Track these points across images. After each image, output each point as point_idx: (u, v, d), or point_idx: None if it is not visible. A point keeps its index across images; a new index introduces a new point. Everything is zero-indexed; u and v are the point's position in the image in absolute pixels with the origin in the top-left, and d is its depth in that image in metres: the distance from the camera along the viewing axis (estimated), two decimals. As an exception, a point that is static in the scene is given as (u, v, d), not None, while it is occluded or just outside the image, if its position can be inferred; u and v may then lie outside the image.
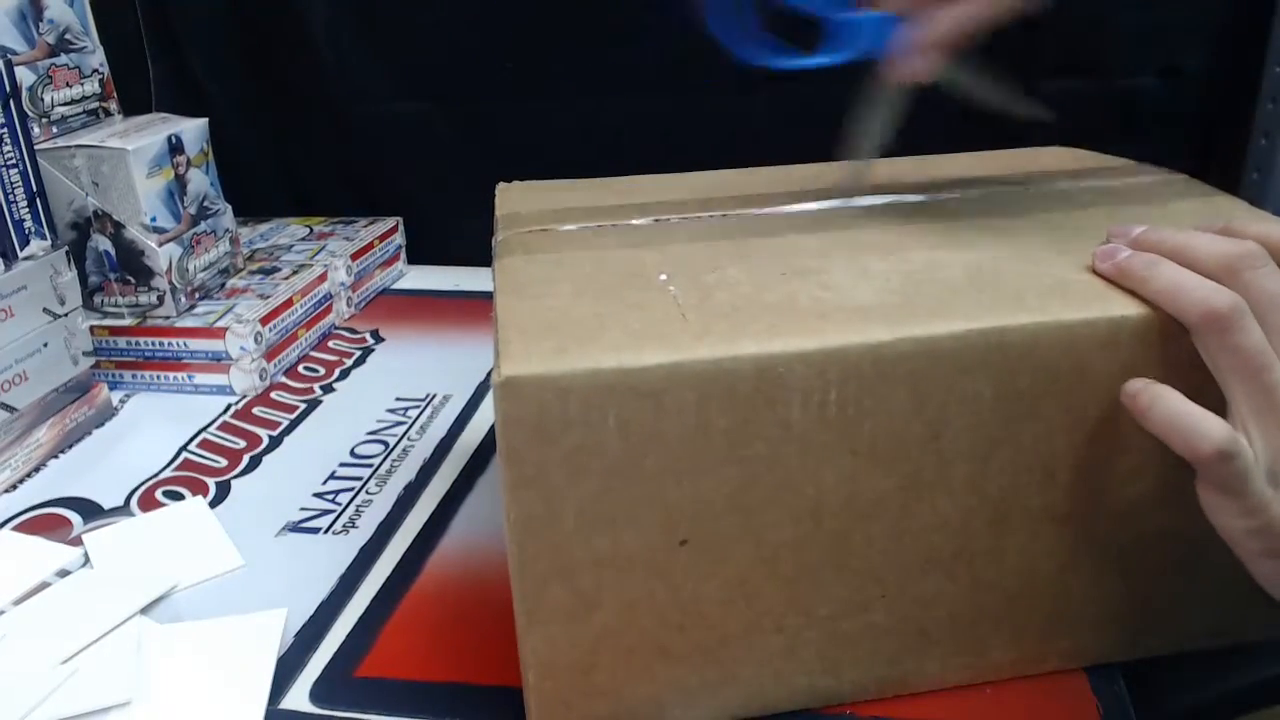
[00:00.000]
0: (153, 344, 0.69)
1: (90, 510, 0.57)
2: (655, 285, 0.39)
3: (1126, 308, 0.36)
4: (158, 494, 0.58)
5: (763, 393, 0.34)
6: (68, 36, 0.69)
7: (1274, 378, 0.32)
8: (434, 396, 0.68)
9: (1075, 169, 0.53)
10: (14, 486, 0.59)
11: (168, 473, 0.60)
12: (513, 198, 0.52)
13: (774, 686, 0.40)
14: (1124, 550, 0.40)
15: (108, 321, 0.70)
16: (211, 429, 0.65)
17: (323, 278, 0.78)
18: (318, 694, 0.43)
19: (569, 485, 0.34)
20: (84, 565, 0.52)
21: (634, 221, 0.47)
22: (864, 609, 0.39)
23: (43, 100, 0.66)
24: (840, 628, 0.39)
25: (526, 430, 0.33)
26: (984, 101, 0.43)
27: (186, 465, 0.61)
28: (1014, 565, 0.39)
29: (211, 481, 0.59)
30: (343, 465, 0.60)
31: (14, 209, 0.58)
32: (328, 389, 0.70)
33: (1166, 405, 0.33)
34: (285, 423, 0.66)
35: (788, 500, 0.36)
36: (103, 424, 0.66)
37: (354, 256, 0.83)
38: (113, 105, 0.72)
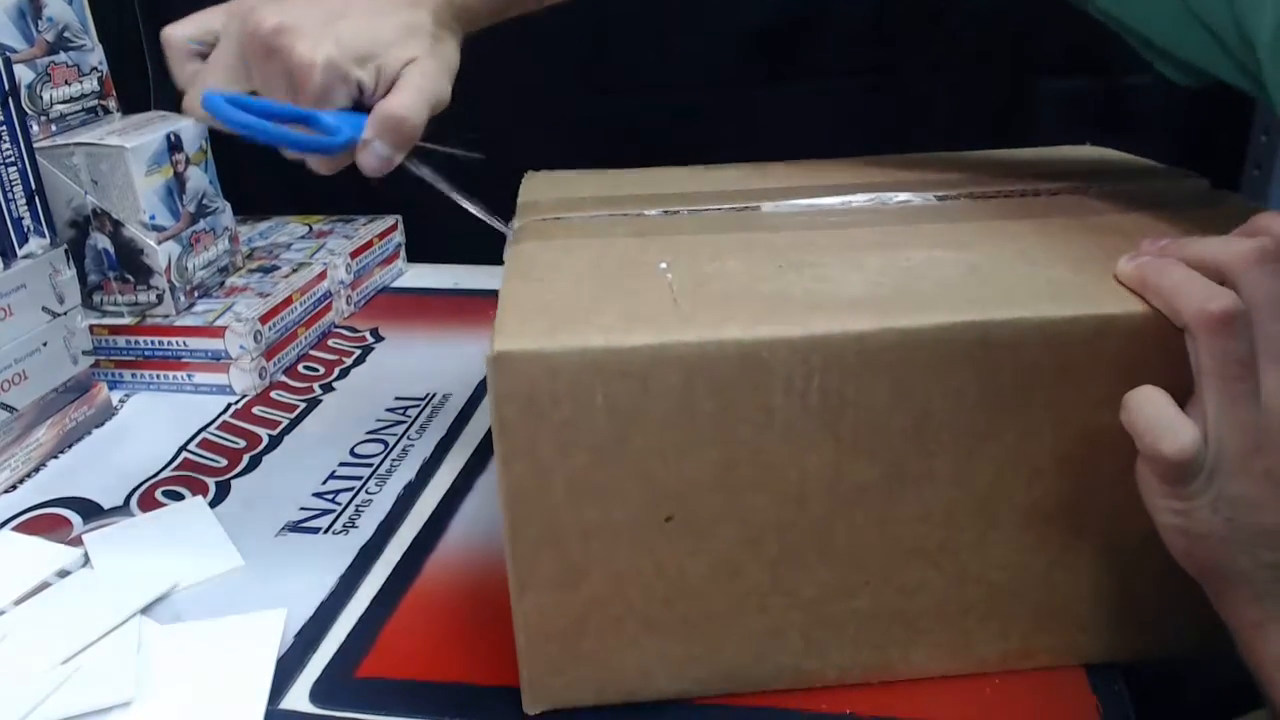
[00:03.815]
0: (152, 343, 0.69)
1: (90, 510, 0.57)
2: (654, 273, 0.39)
3: (1114, 305, 0.36)
4: (158, 494, 0.58)
5: (746, 377, 0.35)
6: (67, 34, 0.68)
7: (1243, 389, 0.33)
8: (434, 396, 0.68)
9: (1094, 170, 0.52)
10: (14, 486, 0.59)
11: (167, 472, 0.60)
12: (535, 186, 0.53)
13: (758, 665, 0.41)
14: (1113, 550, 0.40)
15: (107, 320, 0.69)
16: (211, 428, 0.65)
17: (322, 276, 0.78)
18: (318, 694, 0.43)
19: (558, 458, 0.35)
20: (84, 565, 0.52)
21: (646, 212, 0.47)
22: (848, 594, 0.39)
23: (41, 98, 0.66)
24: (824, 611, 0.40)
25: (518, 404, 0.35)
26: (448, 193, 0.47)
27: (186, 465, 0.61)
28: (1000, 559, 0.39)
29: (211, 481, 0.59)
30: (342, 465, 0.60)
31: (13, 207, 0.58)
32: (327, 388, 0.70)
33: (1149, 404, 0.34)
34: (285, 422, 0.66)
35: (771, 483, 0.37)
36: (102, 424, 0.66)
37: (353, 254, 0.82)
38: (111, 103, 0.72)
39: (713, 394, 0.35)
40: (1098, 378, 0.36)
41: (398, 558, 0.52)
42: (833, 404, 0.35)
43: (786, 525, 0.38)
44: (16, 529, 0.55)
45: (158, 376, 0.70)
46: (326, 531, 0.54)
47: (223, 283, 0.75)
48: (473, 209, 0.47)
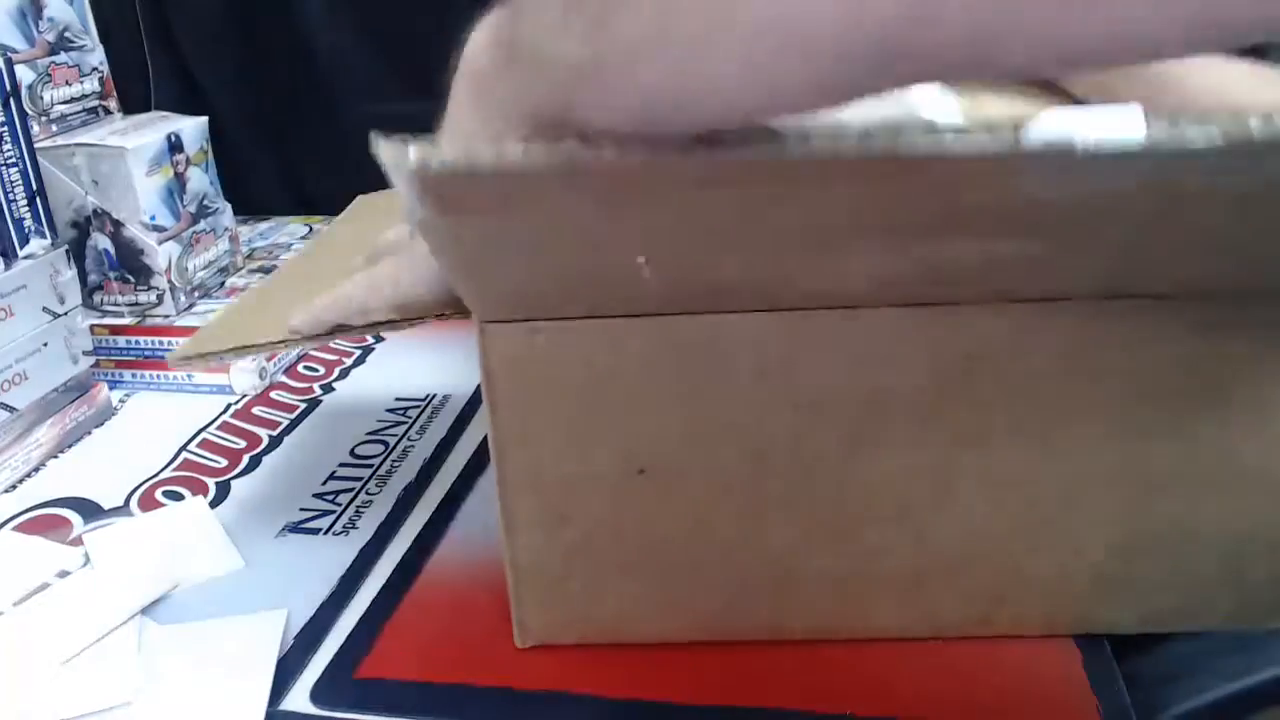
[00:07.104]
0: (152, 343, 0.69)
1: (90, 510, 0.57)
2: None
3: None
4: (158, 494, 0.58)
5: (708, 347, 0.36)
6: (67, 35, 0.69)
7: None
8: (434, 397, 0.68)
9: None
10: (14, 486, 0.59)
11: (168, 473, 0.60)
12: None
13: (729, 615, 0.42)
14: (1073, 522, 0.40)
15: (107, 320, 0.69)
16: (211, 429, 0.65)
17: (322, 277, 0.78)
18: (318, 695, 0.43)
19: (541, 411, 0.38)
20: (84, 565, 0.52)
21: None
22: (811, 553, 0.41)
23: (42, 98, 0.66)
24: (789, 568, 0.41)
25: (503, 363, 0.37)
26: None
27: (186, 465, 0.61)
28: (960, 527, 0.40)
29: (211, 481, 0.59)
30: (343, 466, 0.60)
31: (14, 208, 0.58)
32: (327, 389, 0.70)
33: None
34: (285, 423, 0.66)
35: (735, 443, 0.38)
36: (102, 423, 0.66)
37: (354, 255, 0.82)
38: (112, 104, 0.72)
39: (677, 360, 0.37)
40: (1054, 351, 0.36)
41: (398, 559, 0.51)
42: (791, 373, 0.37)
43: (750, 483, 0.39)
44: (16, 529, 0.55)
45: (158, 376, 0.70)
46: (327, 532, 0.54)
47: (223, 283, 0.75)
48: None
